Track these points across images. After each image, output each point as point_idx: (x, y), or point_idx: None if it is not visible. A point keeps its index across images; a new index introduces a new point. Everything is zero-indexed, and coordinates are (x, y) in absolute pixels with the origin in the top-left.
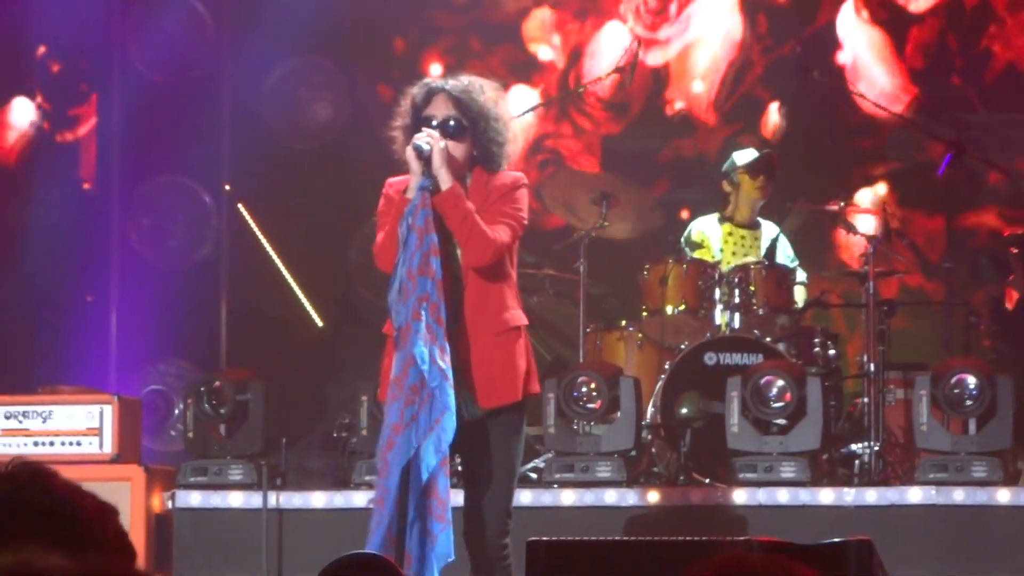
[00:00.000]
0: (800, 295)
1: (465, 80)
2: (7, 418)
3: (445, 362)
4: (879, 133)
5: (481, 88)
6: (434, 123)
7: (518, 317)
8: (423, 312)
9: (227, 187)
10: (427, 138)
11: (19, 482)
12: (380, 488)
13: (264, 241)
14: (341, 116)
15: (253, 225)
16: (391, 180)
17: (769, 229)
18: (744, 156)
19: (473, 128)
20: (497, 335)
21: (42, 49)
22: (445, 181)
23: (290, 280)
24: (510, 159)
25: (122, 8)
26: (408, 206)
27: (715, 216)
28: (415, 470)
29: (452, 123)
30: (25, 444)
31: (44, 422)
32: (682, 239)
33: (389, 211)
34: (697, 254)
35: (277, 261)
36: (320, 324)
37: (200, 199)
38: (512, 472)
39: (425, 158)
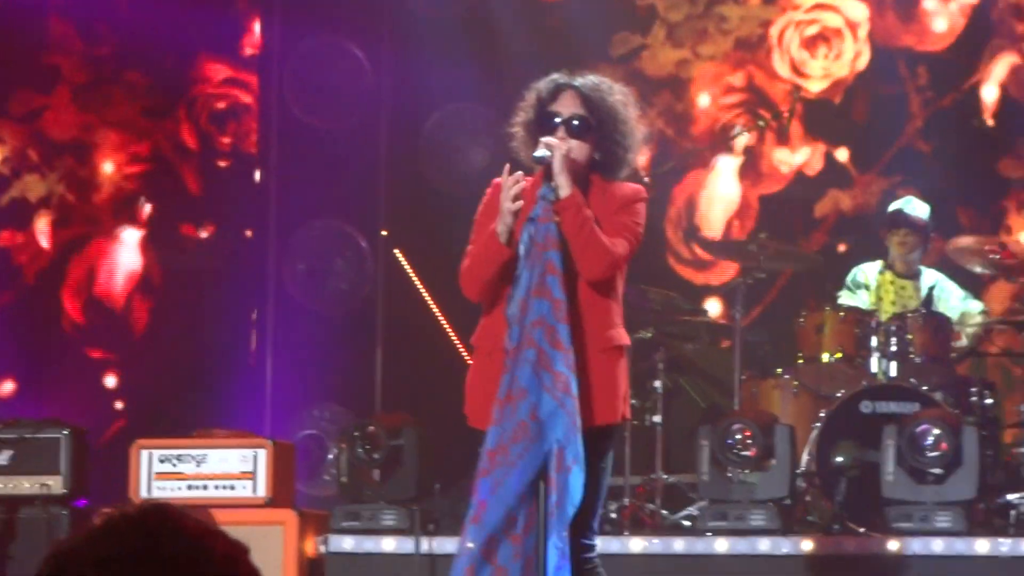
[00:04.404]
0: (973, 322)
1: (595, 79)
2: (161, 461)
3: (565, 391)
4: None
5: (611, 88)
6: (558, 120)
7: (623, 336)
8: (535, 336)
9: (384, 232)
10: (545, 149)
11: (149, 527)
12: (471, 525)
13: (420, 286)
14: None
15: (409, 270)
16: (498, 180)
17: (930, 277)
18: (894, 207)
19: (599, 129)
20: (601, 352)
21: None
22: (564, 188)
23: (445, 325)
24: (631, 167)
25: (281, 54)
26: (532, 215)
27: (879, 264)
28: (544, 552)
29: (578, 122)
30: (179, 487)
31: (198, 466)
32: (848, 279)
33: (488, 219)
34: (863, 296)
35: (433, 306)
36: None
37: (356, 244)
38: (601, 491)
39: (546, 164)
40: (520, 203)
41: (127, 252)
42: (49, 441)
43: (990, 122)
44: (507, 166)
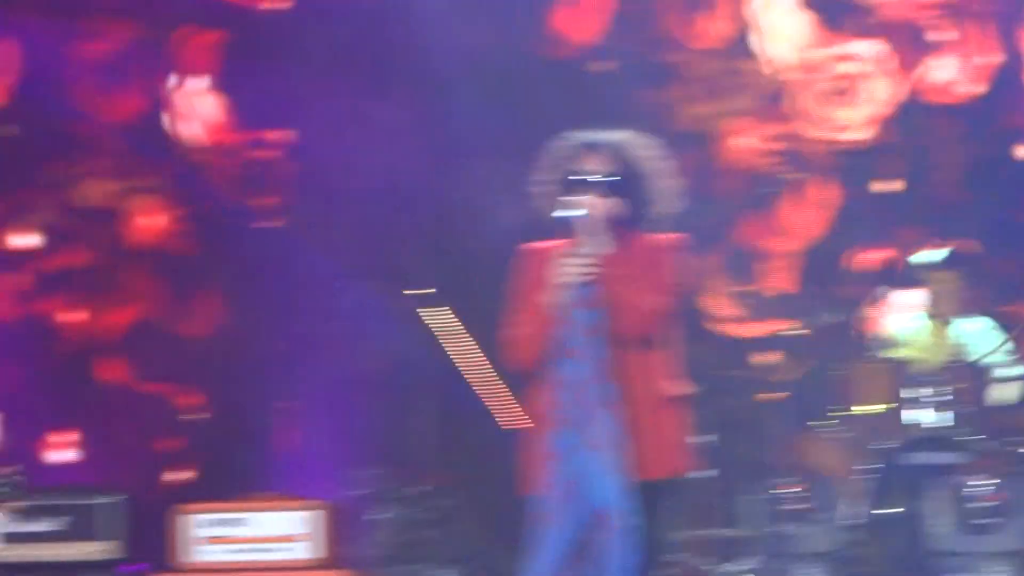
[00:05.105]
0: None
1: (619, 134)
2: (213, 525)
3: (607, 449)
4: None
5: (636, 143)
6: (585, 179)
7: (680, 385)
8: (578, 396)
9: (415, 291)
10: (577, 208)
11: None
12: None
13: (452, 347)
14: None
15: (440, 330)
16: (532, 246)
17: (975, 324)
18: (932, 255)
19: (626, 185)
20: (659, 404)
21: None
22: (596, 247)
23: (480, 387)
24: (660, 220)
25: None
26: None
27: (920, 314)
28: None
29: (604, 180)
30: (232, 551)
31: (251, 529)
32: (893, 335)
33: (528, 288)
34: (896, 352)
35: (465, 367)
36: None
37: (388, 304)
38: (659, 547)
39: (576, 225)
40: (574, 279)
41: None
42: (103, 507)
43: None
44: (562, 244)
